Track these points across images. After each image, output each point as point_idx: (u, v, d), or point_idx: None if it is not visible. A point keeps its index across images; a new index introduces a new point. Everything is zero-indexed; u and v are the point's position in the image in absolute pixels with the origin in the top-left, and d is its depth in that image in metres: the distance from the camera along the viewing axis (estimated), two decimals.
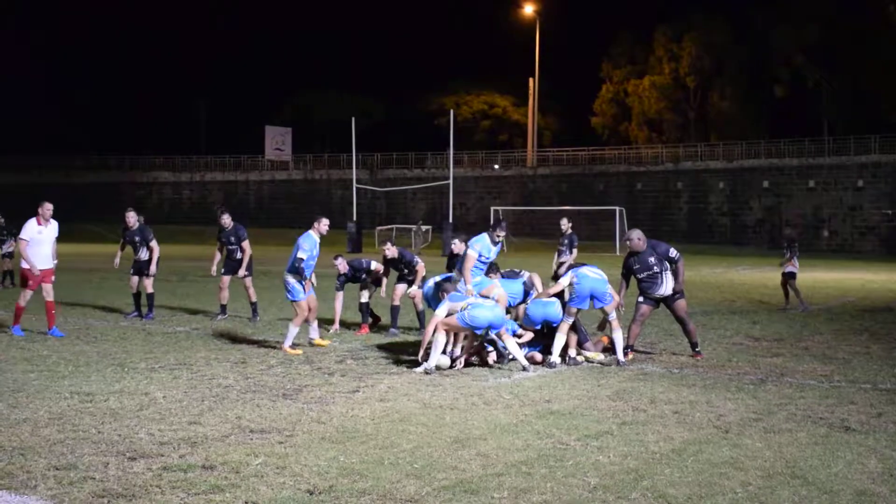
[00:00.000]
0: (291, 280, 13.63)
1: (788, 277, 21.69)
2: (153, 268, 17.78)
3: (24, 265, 14.88)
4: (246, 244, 17.90)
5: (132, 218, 17.88)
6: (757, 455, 7.82)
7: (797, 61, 74.23)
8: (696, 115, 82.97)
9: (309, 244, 13.68)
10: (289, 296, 13.75)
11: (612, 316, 12.82)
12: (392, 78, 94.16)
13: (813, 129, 73.58)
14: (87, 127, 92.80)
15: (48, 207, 15.05)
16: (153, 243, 17.83)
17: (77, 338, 14.56)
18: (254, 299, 18.01)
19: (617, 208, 60.20)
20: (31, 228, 14.85)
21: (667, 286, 13.31)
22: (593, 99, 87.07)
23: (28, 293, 14.95)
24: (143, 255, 17.85)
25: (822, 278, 33.17)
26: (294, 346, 13.55)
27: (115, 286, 25.22)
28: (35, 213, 14.79)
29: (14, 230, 23.77)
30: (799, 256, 22.34)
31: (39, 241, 14.93)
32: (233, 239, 17.88)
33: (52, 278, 15.11)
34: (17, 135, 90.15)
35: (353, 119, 57.79)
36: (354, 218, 58.28)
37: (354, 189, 59.47)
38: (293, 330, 13.55)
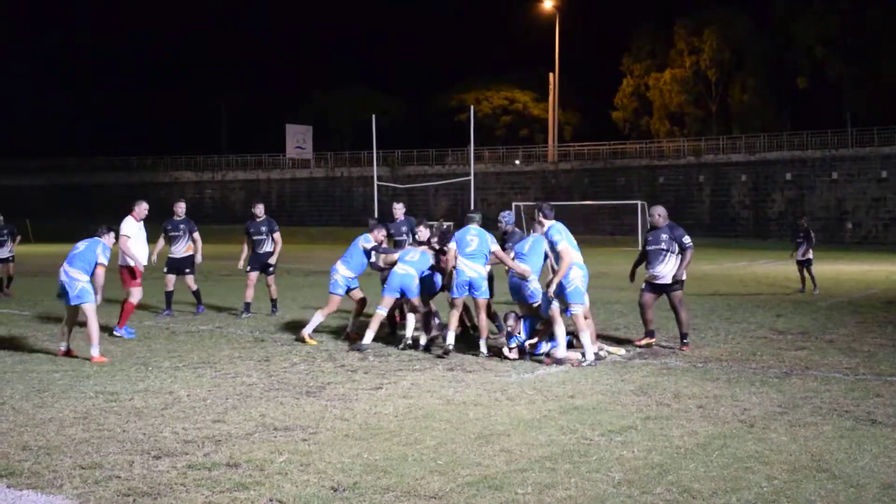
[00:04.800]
0: (342, 275, 14.25)
1: (806, 265, 22.91)
2: (199, 257, 18.23)
3: (129, 262, 15.03)
4: (277, 236, 18.14)
5: (181, 208, 18.21)
6: (782, 449, 7.78)
7: (818, 53, 73.72)
8: (718, 108, 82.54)
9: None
10: (330, 288, 14.31)
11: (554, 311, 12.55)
12: (412, 75, 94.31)
13: (835, 121, 73.08)
14: (108, 127, 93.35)
15: (145, 207, 15.64)
16: (196, 234, 18.25)
17: (101, 337, 14.61)
18: (274, 296, 18.19)
19: (639, 202, 59.97)
20: (131, 225, 15.17)
21: (667, 267, 13.52)
22: (614, 93, 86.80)
23: (137, 290, 15.02)
24: (182, 248, 18.00)
25: (846, 270, 32.98)
26: (312, 335, 14.09)
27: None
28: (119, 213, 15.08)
29: (15, 231, 24.00)
30: (814, 245, 23.62)
31: (140, 238, 15.34)
32: (263, 229, 18.01)
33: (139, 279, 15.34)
34: (40, 136, 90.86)
35: (374, 116, 57.73)
36: (376, 215, 58.25)
37: (376, 186, 59.37)
38: (318, 318, 14.17)
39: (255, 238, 18.07)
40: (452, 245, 13.24)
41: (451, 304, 13.31)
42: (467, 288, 13.07)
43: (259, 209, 18.28)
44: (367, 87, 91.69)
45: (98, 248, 12.72)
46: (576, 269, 12.21)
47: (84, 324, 12.76)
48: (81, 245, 12.79)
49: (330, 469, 7.12)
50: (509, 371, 11.69)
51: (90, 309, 12.54)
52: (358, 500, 6.45)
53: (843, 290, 24.56)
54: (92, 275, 12.63)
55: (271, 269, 18.10)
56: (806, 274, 23.89)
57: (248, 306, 18.00)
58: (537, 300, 12.89)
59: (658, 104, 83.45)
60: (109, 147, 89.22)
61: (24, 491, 6.58)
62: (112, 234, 13.21)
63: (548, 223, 12.66)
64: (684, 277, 13.71)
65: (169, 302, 18.11)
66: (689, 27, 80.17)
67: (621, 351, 13.11)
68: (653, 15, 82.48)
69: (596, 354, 12.42)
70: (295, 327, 16.00)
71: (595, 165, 76.31)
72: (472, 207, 51.91)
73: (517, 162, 79.90)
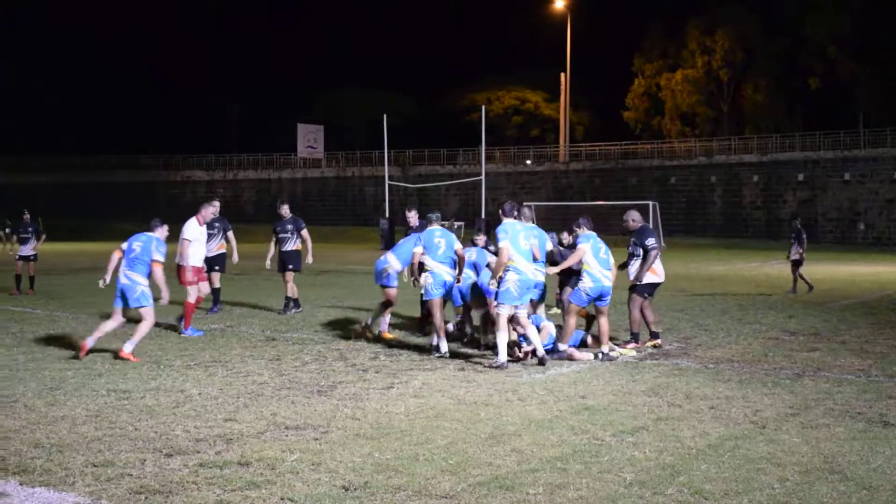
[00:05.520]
0: (395, 268, 14.33)
1: (796, 265, 23.58)
2: (236, 257, 18.50)
3: (183, 263, 15.33)
4: (305, 233, 18.52)
5: (216, 206, 18.08)
6: (794, 450, 7.76)
7: (831, 53, 73.49)
8: (730, 109, 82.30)
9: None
10: (385, 281, 14.29)
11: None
12: (423, 74, 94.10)
13: (848, 122, 72.85)
14: (120, 127, 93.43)
15: (211, 212, 16.38)
16: (230, 234, 18.54)
17: (113, 336, 14.65)
18: (294, 294, 18.40)
19: (650, 203, 59.85)
20: (194, 229, 15.35)
21: (633, 268, 13.75)
22: (625, 93, 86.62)
23: (192, 289, 15.22)
24: (215, 246, 18.17)
25: (859, 272, 32.88)
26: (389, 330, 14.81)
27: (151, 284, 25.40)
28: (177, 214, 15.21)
29: (40, 229, 23.75)
30: (806, 247, 24.20)
31: (201, 241, 15.66)
32: (289, 227, 18.36)
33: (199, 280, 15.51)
34: (51, 134, 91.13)
35: (385, 116, 57.82)
36: (387, 215, 58.33)
37: (387, 186, 59.55)
38: (383, 314, 14.60)
39: (281, 235, 18.36)
40: (419, 249, 13.31)
41: (431, 307, 13.21)
42: (443, 288, 13.17)
43: (285, 209, 18.61)
44: (379, 86, 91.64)
45: (152, 246, 12.54)
46: (512, 272, 12.05)
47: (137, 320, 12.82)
48: (137, 247, 12.58)
49: (341, 468, 7.12)
50: (520, 371, 11.68)
51: (148, 313, 12.51)
52: (369, 499, 6.45)
53: (855, 291, 24.49)
54: (149, 275, 12.53)
55: (291, 266, 18.27)
56: (798, 274, 24.04)
57: (296, 302, 18.35)
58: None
59: (670, 104, 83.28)
60: (121, 146, 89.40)
61: (36, 488, 6.61)
62: (165, 227, 13.01)
63: (504, 220, 12.55)
64: (644, 280, 13.64)
65: (216, 299, 18.44)
66: (701, 27, 79.96)
67: (632, 352, 13.10)
68: (664, 15, 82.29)
69: (600, 354, 12.59)
70: (306, 326, 16.02)
71: (606, 165, 76.20)
72: (482, 215, 51.91)
73: (528, 162, 79.83)
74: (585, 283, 12.58)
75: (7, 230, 61.04)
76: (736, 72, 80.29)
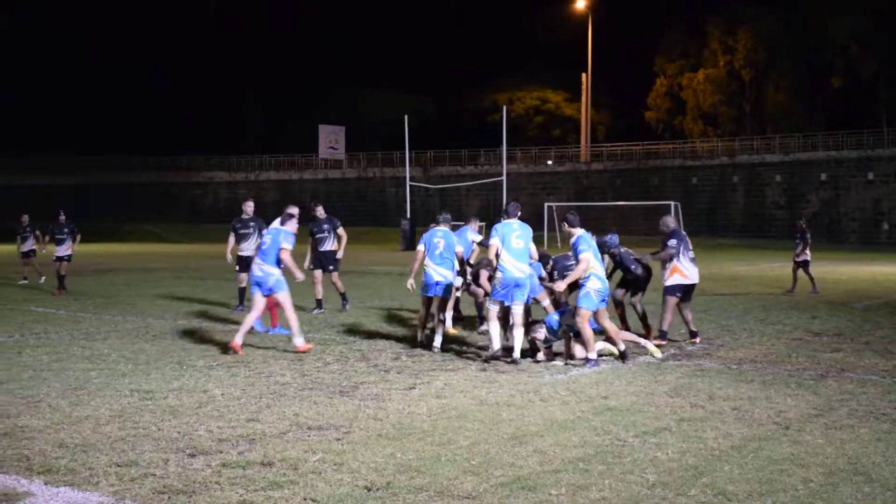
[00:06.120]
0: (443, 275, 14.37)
1: (802, 265, 23.81)
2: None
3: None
4: (341, 230, 18.82)
5: (250, 206, 19.01)
6: (818, 451, 7.72)
7: (852, 51, 73.09)
8: (752, 108, 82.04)
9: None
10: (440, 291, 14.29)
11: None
12: (444, 75, 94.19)
13: (870, 121, 72.44)
14: (143, 127, 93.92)
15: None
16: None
17: (136, 336, 14.75)
18: (342, 290, 18.87)
19: (672, 203, 59.73)
20: (292, 235, 15.43)
21: (665, 272, 14.34)
22: (647, 93, 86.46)
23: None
24: (252, 246, 18.28)
25: (882, 272, 32.67)
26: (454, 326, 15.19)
27: (172, 284, 25.54)
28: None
29: (76, 230, 24.10)
30: (811, 246, 24.35)
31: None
32: (325, 227, 18.70)
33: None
34: (74, 135, 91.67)
35: (406, 117, 57.86)
36: (408, 215, 58.37)
37: (408, 186, 59.56)
38: (446, 319, 14.56)
39: (318, 236, 18.58)
40: (421, 247, 13.90)
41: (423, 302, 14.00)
42: (432, 287, 13.78)
43: (320, 210, 18.88)
44: (400, 87, 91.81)
45: (280, 237, 13.37)
46: (497, 271, 12.60)
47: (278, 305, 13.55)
48: (267, 239, 13.46)
49: (363, 468, 7.13)
50: (542, 372, 11.66)
51: (284, 297, 13.25)
52: (391, 499, 6.45)
53: (879, 291, 24.34)
54: (278, 262, 13.24)
55: (331, 266, 18.56)
56: (802, 274, 24.03)
57: (319, 303, 18.47)
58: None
59: (691, 104, 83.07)
60: (143, 147, 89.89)
61: (60, 488, 6.64)
62: (295, 221, 13.79)
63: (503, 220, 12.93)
64: (670, 282, 14.12)
65: (242, 297, 18.58)
66: (723, 27, 79.73)
67: (658, 353, 13.02)
68: (686, 15, 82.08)
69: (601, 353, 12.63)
70: (329, 327, 16.05)
71: (628, 166, 76.07)
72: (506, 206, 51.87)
73: (549, 162, 79.76)
74: (593, 284, 12.36)
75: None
76: (758, 71, 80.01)
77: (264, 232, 13.93)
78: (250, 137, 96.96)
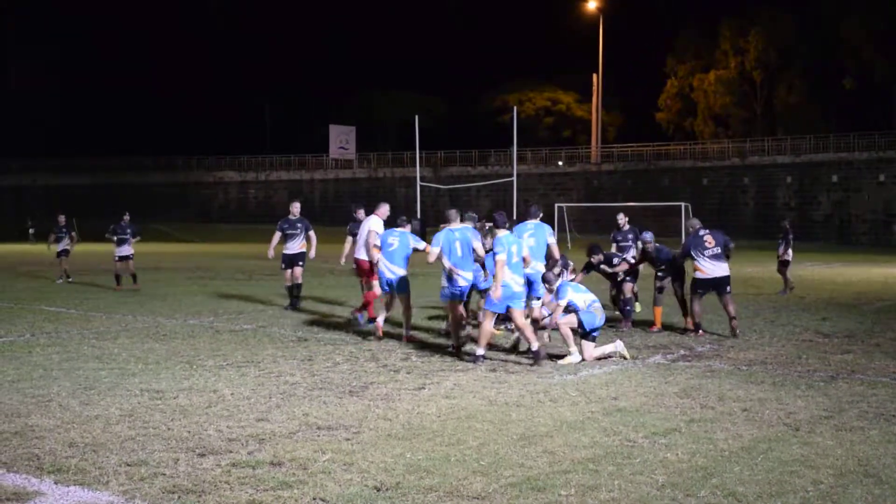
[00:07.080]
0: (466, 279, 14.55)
1: (783, 265, 24.21)
2: (313, 253, 19.46)
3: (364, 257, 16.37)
4: (312, 233, 19.47)
5: (296, 207, 19.55)
6: (828, 453, 7.70)
7: (865, 53, 72.84)
8: (763, 110, 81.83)
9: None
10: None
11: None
12: (455, 76, 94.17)
13: (882, 123, 72.18)
14: (153, 127, 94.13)
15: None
16: (311, 233, 19.46)
17: (146, 336, 14.78)
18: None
19: (682, 204, 59.59)
20: (378, 223, 15.91)
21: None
22: (658, 94, 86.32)
23: (375, 283, 15.61)
24: (297, 245, 19.15)
25: (892, 274, 32.57)
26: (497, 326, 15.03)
27: (183, 284, 25.60)
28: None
29: (137, 230, 25.38)
30: (793, 246, 24.80)
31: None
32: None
33: None
34: (86, 135, 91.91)
35: (417, 117, 57.86)
36: (419, 215, 58.35)
37: (418, 187, 59.53)
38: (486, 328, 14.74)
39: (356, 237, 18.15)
40: (437, 248, 13.78)
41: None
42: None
43: (361, 213, 18.10)
44: (410, 88, 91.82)
45: (409, 239, 14.52)
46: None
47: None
48: (393, 241, 14.44)
49: (373, 469, 7.14)
50: (552, 372, 11.66)
51: (405, 298, 14.47)
52: (401, 499, 6.46)
53: (890, 293, 24.26)
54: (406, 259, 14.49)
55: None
56: (787, 274, 24.14)
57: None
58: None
59: (702, 105, 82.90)
60: (154, 147, 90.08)
61: (71, 487, 6.66)
62: (386, 207, 15.75)
63: (498, 232, 12.79)
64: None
65: (292, 295, 19.12)
66: (735, 28, 79.50)
67: (627, 355, 12.82)
68: (697, 16, 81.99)
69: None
70: (338, 327, 16.06)
71: (638, 167, 75.96)
72: (514, 217, 51.83)
73: (560, 163, 79.68)
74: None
75: (32, 230, 62.01)
76: (769, 72, 79.77)
77: (384, 235, 14.69)
78: (261, 138, 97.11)
